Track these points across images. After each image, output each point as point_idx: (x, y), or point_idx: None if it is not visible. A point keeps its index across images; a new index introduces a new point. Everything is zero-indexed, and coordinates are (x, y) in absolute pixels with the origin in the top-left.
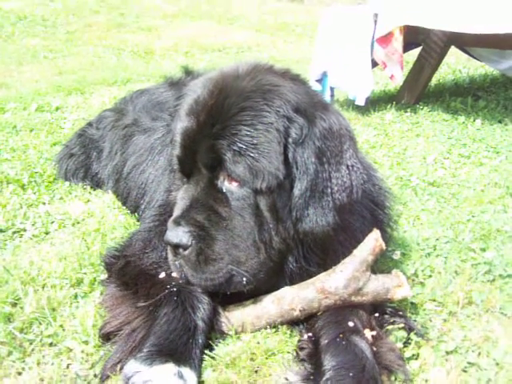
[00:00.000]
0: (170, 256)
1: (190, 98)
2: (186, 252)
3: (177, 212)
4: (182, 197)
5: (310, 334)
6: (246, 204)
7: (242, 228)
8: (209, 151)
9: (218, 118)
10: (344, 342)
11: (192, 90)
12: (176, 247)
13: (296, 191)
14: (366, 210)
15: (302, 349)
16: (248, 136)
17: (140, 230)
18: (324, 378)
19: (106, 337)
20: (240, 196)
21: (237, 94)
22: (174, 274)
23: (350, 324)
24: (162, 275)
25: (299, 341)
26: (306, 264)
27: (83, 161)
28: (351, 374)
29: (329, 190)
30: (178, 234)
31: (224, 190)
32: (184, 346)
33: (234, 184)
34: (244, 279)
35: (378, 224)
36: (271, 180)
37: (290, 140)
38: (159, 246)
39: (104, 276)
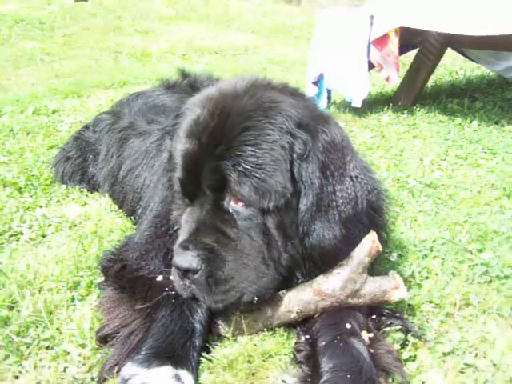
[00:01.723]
0: (176, 278)
1: (190, 119)
2: (196, 276)
3: (183, 236)
4: (187, 220)
5: (308, 336)
6: (254, 224)
7: (251, 247)
8: (213, 173)
9: (221, 139)
10: (341, 344)
11: (191, 110)
12: (185, 272)
13: (302, 206)
14: (365, 217)
15: (299, 351)
16: (252, 156)
17: (136, 239)
18: (321, 380)
19: (104, 339)
20: (247, 216)
21: (238, 114)
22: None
23: (348, 326)
24: (160, 278)
25: (296, 343)
26: (312, 276)
27: (80, 164)
28: (349, 376)
29: (334, 204)
30: (187, 259)
31: (230, 211)
32: (181, 348)
33: (241, 204)
34: (255, 298)
35: (375, 229)
36: (278, 199)
37: (295, 156)
38: (156, 261)
39: (101, 279)
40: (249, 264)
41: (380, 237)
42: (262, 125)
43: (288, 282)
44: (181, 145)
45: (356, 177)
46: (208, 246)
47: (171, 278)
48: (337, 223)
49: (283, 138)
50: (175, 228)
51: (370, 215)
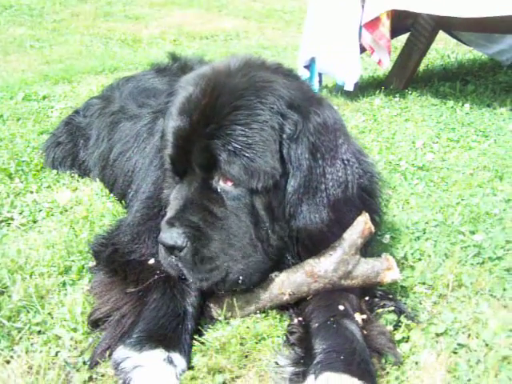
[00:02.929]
0: (164, 255)
1: (182, 96)
2: (182, 253)
3: (170, 213)
4: (175, 197)
5: (300, 318)
6: (242, 204)
7: (238, 227)
8: (203, 151)
9: (212, 118)
10: (335, 326)
11: (183, 88)
12: (171, 248)
13: (289, 188)
14: (358, 200)
15: (292, 333)
16: (243, 135)
17: (128, 221)
18: (314, 362)
19: (95, 324)
20: (235, 196)
21: (230, 92)
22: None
23: (341, 307)
24: (152, 261)
25: (289, 325)
26: (303, 258)
27: (70, 149)
28: (342, 357)
29: (323, 186)
30: (173, 236)
31: (219, 190)
32: (173, 331)
33: (229, 184)
34: (240, 277)
35: (369, 212)
36: (267, 179)
37: (285, 136)
38: (148, 243)
39: (92, 263)
40: (235, 244)
41: (373, 220)
42: (253, 104)
43: (279, 264)
44: (172, 122)
45: (348, 160)
46: (194, 223)
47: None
48: (325, 206)
49: (273, 119)
50: (167, 209)
51: (363, 198)
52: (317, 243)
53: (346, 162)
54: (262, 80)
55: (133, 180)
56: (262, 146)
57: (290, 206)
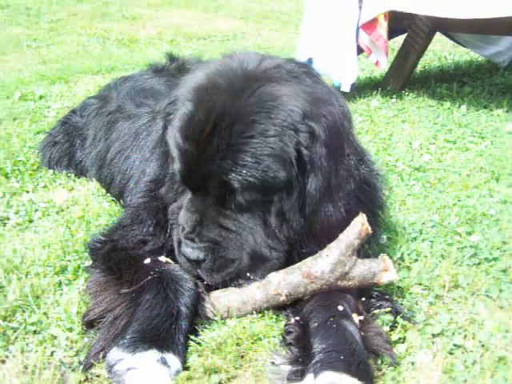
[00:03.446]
0: (183, 261)
1: (184, 115)
2: (202, 264)
3: (188, 226)
4: (189, 209)
5: (298, 318)
6: (255, 216)
7: (251, 236)
8: (215, 176)
9: (223, 147)
10: (334, 326)
11: (183, 103)
12: (193, 260)
13: (311, 189)
14: (361, 192)
15: (289, 333)
16: (257, 162)
17: (129, 206)
18: (313, 361)
19: (90, 324)
20: (248, 211)
21: (240, 120)
22: (161, 258)
23: (340, 308)
24: (147, 261)
25: (286, 325)
26: (313, 248)
27: (67, 149)
28: (342, 357)
29: (338, 182)
30: (195, 252)
31: (232, 206)
32: (167, 331)
33: (243, 201)
34: (257, 278)
35: (371, 206)
36: (280, 192)
37: (302, 147)
38: (147, 220)
39: (88, 263)
40: (248, 249)
41: (377, 216)
42: (266, 128)
43: (290, 255)
44: (178, 144)
45: (349, 155)
46: (212, 239)
47: (160, 259)
48: (341, 199)
49: (287, 135)
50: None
51: (365, 190)
52: (330, 233)
53: (349, 156)
54: (271, 97)
55: (131, 177)
56: (276, 163)
57: (312, 205)
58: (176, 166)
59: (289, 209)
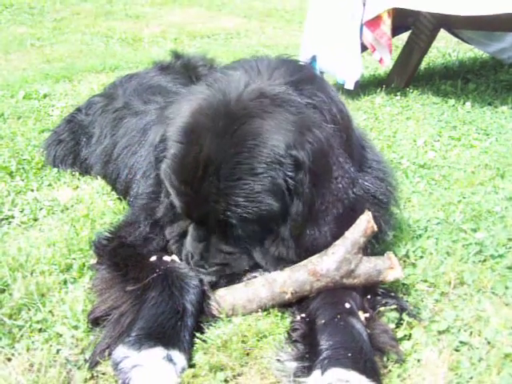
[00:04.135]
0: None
1: (175, 157)
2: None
3: (196, 256)
4: (195, 237)
5: (304, 315)
6: (255, 240)
7: (251, 256)
8: (211, 215)
9: (214, 193)
10: (342, 323)
11: (173, 144)
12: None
13: (293, 215)
14: (381, 195)
15: (294, 330)
16: (250, 201)
17: (139, 197)
18: (320, 357)
19: (95, 322)
20: (248, 239)
21: (226, 161)
22: (165, 257)
23: (347, 305)
24: (153, 258)
25: (292, 322)
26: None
27: (72, 147)
28: (349, 355)
29: (323, 207)
30: (207, 278)
31: (234, 234)
32: (172, 328)
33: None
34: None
35: (384, 204)
36: (275, 219)
37: (287, 178)
38: (160, 209)
39: (93, 261)
40: (250, 264)
41: (391, 213)
42: (251, 166)
43: None
44: (174, 185)
45: (341, 176)
46: (219, 263)
47: (166, 257)
48: (327, 224)
49: (272, 171)
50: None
51: (378, 186)
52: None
53: (339, 178)
54: (252, 135)
55: (137, 171)
56: (268, 198)
57: (296, 229)
58: (175, 202)
59: (283, 232)
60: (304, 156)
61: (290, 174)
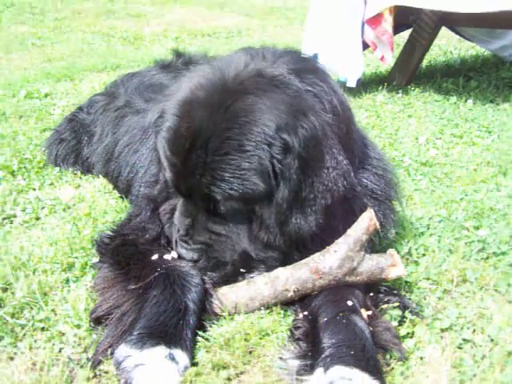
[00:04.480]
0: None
1: (169, 129)
2: (197, 264)
3: (182, 230)
4: (183, 212)
5: (306, 313)
6: (240, 221)
7: (239, 240)
8: (200, 189)
9: (200, 166)
10: (344, 321)
11: (169, 116)
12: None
13: (279, 199)
14: (374, 186)
15: (297, 328)
16: (235, 176)
17: (143, 185)
18: (323, 355)
19: (98, 321)
20: (234, 217)
21: (215, 136)
22: (166, 256)
23: (349, 303)
24: (155, 257)
25: (294, 320)
26: (311, 249)
27: (74, 146)
28: (352, 352)
29: (311, 196)
30: (189, 253)
31: (221, 213)
32: (174, 327)
33: (229, 209)
34: (242, 270)
35: (389, 201)
36: (261, 200)
37: (274, 159)
38: (157, 187)
39: (95, 259)
40: (239, 251)
41: (392, 209)
42: (240, 143)
43: (285, 257)
44: (166, 156)
45: (333, 167)
46: (203, 242)
47: (167, 256)
48: (315, 213)
49: (261, 150)
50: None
51: (379, 182)
52: (312, 244)
53: (331, 168)
54: (244, 112)
55: (139, 169)
56: (253, 177)
57: (281, 215)
58: (167, 174)
59: (268, 217)
60: (294, 140)
61: (277, 156)
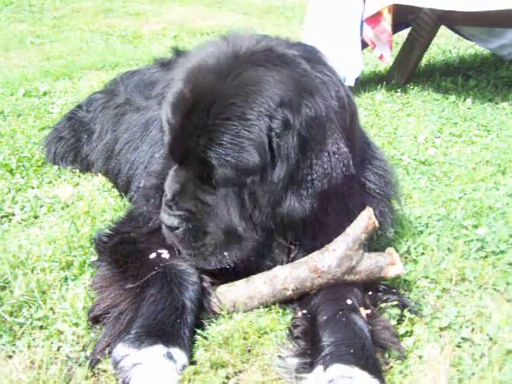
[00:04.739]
0: (165, 230)
1: (174, 93)
2: (177, 232)
3: (169, 194)
4: (173, 178)
5: (305, 312)
6: (230, 194)
7: (225, 212)
8: (195, 154)
9: (204, 126)
10: (343, 320)
11: (175, 82)
12: (169, 227)
13: (275, 178)
14: (373, 185)
15: (296, 326)
16: (233, 143)
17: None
18: (323, 354)
19: (96, 319)
20: (224, 188)
21: (220, 101)
22: (164, 254)
23: (348, 302)
24: (153, 256)
25: (293, 318)
26: (301, 239)
27: (73, 144)
28: (352, 351)
29: (309, 178)
30: (170, 219)
31: (211, 182)
32: (172, 326)
33: (220, 177)
34: (226, 253)
35: (384, 200)
36: (254, 174)
37: (273, 134)
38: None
39: (94, 258)
40: (222, 226)
41: (391, 208)
42: (243, 111)
43: (269, 245)
44: (168, 118)
45: (334, 152)
46: (188, 209)
47: (163, 255)
48: (310, 197)
49: (261, 121)
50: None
51: (376, 181)
52: (303, 236)
53: (331, 154)
54: (252, 81)
55: (139, 166)
56: (250, 147)
57: (275, 195)
58: (165, 138)
59: (261, 194)
60: (296, 118)
61: (276, 130)
